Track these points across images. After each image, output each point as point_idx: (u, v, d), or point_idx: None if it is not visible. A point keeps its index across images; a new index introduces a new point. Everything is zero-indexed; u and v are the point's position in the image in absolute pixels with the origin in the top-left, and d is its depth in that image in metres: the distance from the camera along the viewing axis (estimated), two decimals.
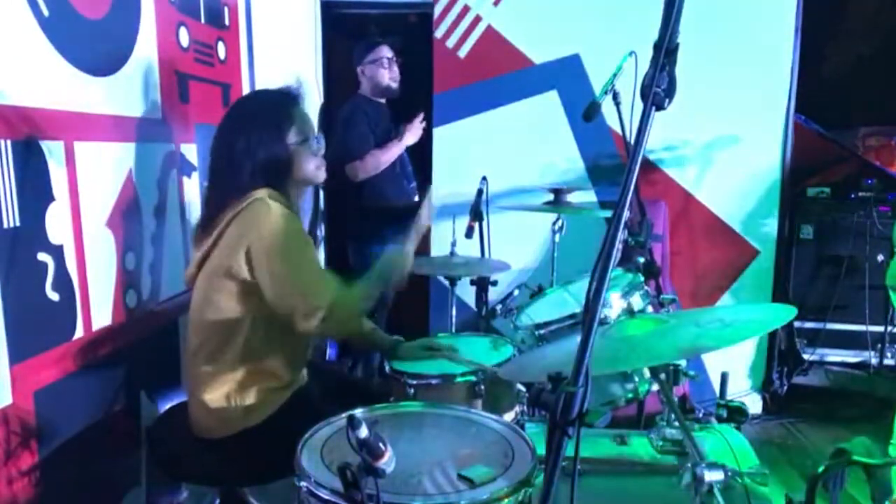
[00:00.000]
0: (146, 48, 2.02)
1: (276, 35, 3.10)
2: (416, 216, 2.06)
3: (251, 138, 1.75)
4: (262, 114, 1.80)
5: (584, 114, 2.33)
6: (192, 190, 2.34)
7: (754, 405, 3.50)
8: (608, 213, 2.78)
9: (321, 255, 2.10)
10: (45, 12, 1.58)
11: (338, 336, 1.83)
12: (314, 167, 1.88)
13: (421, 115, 3.35)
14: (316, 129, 1.90)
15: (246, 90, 2.77)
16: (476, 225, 2.73)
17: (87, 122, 1.76)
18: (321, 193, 3.64)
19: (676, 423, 1.50)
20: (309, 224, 2.02)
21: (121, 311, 1.91)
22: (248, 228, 1.68)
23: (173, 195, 2.22)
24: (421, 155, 3.58)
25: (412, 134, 3.30)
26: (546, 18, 3.37)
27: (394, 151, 3.27)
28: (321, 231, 3.70)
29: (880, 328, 3.41)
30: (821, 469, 1.27)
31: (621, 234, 0.98)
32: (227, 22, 2.61)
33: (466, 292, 3.00)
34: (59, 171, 1.64)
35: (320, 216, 3.72)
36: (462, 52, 3.44)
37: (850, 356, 3.50)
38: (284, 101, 1.84)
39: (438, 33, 3.44)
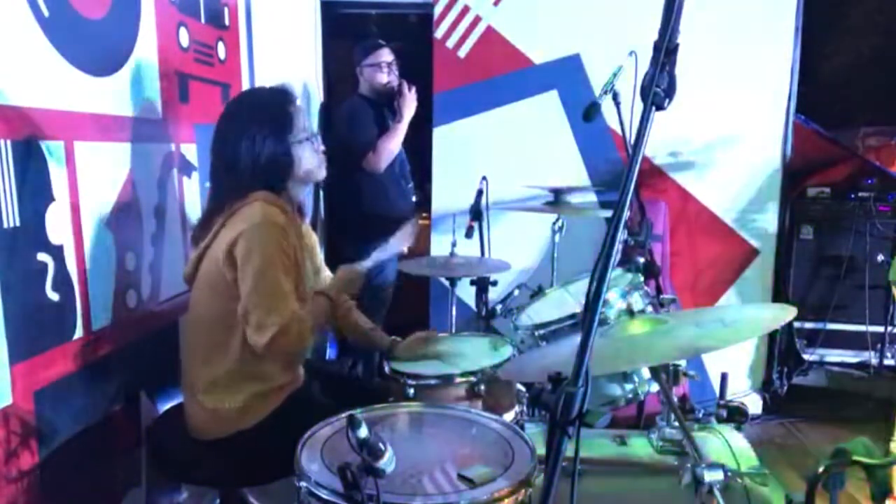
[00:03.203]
0: (146, 48, 2.02)
1: (276, 35, 3.10)
2: (392, 235, 2.08)
3: (256, 137, 1.76)
4: (264, 112, 1.80)
5: (584, 114, 2.33)
6: (192, 190, 2.34)
7: (754, 405, 3.49)
8: (608, 213, 2.78)
9: (320, 256, 2.11)
10: (45, 12, 1.58)
11: (282, 358, 1.81)
12: (316, 164, 1.89)
13: (408, 86, 3.28)
14: (315, 127, 1.91)
15: None
16: (476, 225, 2.73)
17: (87, 122, 1.76)
18: (321, 193, 3.64)
19: (676, 423, 1.50)
20: (309, 223, 2.03)
21: (121, 311, 1.90)
22: (237, 229, 1.69)
23: (173, 195, 2.22)
24: (421, 155, 3.58)
25: (408, 108, 3.27)
26: (546, 18, 3.36)
27: (399, 132, 3.26)
28: (321, 231, 3.70)
29: (880, 328, 3.40)
30: (821, 469, 1.27)
31: (621, 234, 0.98)
32: (227, 22, 2.60)
33: (466, 292, 3.00)
34: (59, 171, 1.64)
35: (320, 216, 3.72)
36: (462, 52, 3.44)
37: (850, 356, 3.49)
38: (283, 100, 1.84)
39: (438, 33, 3.43)
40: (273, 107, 1.82)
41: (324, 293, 1.85)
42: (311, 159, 1.87)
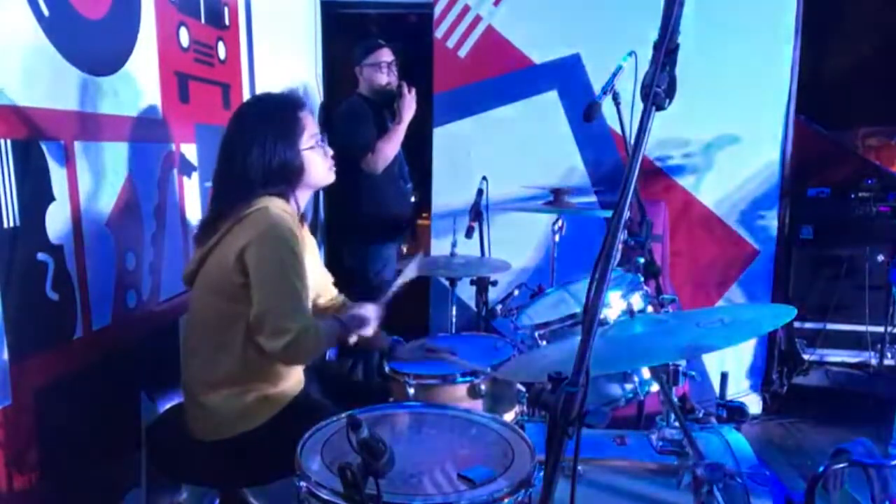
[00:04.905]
0: (146, 48, 2.02)
1: (276, 35, 3.10)
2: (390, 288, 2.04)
3: (266, 144, 1.76)
4: (274, 120, 1.80)
5: (584, 114, 2.32)
6: (192, 190, 2.34)
7: (754, 405, 3.49)
8: (608, 214, 2.78)
9: (321, 256, 2.12)
10: (45, 12, 1.58)
11: (296, 363, 1.82)
12: (326, 169, 1.90)
13: (408, 87, 3.23)
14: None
15: (246, 90, 2.77)
16: (476, 225, 2.73)
17: (87, 122, 1.76)
18: (321, 194, 3.64)
19: (676, 423, 1.50)
20: (309, 224, 2.03)
21: (121, 311, 1.91)
22: (248, 235, 1.69)
23: (173, 195, 2.22)
24: (421, 155, 3.57)
25: (408, 109, 3.23)
26: (546, 18, 3.36)
27: (399, 133, 3.25)
28: (320, 232, 3.70)
29: (880, 328, 3.40)
30: (821, 469, 1.27)
31: (621, 234, 0.98)
32: (227, 22, 2.60)
33: (466, 292, 2.99)
34: (59, 171, 1.64)
35: (320, 217, 3.71)
36: (462, 52, 3.44)
37: (850, 356, 3.49)
38: (294, 105, 1.84)
39: (438, 33, 3.43)
40: (284, 113, 1.82)
41: (338, 318, 1.85)
42: (320, 165, 1.87)
